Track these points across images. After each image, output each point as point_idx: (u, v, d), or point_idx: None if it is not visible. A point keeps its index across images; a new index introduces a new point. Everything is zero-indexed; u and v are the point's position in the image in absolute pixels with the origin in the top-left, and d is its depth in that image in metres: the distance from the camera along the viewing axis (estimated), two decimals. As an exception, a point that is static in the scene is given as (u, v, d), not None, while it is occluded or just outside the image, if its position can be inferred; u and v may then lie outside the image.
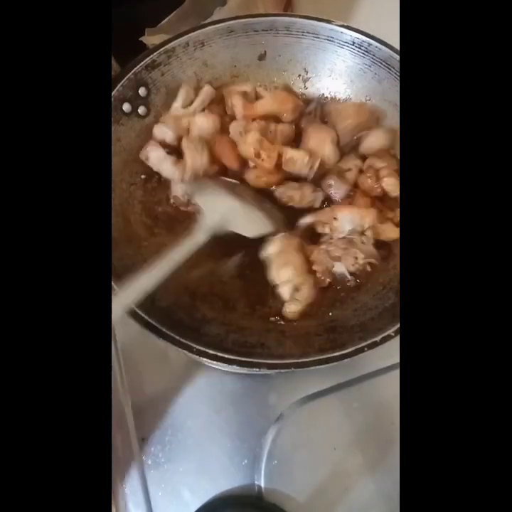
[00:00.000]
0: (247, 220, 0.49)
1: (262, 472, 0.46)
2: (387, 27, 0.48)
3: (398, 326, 0.41)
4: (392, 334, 0.41)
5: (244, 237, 0.48)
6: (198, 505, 0.45)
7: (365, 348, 0.41)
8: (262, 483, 0.46)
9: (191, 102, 0.56)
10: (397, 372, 0.50)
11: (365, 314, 0.47)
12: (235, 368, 0.40)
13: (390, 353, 0.47)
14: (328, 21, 0.55)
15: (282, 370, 0.40)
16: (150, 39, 0.62)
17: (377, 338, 0.41)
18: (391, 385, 0.50)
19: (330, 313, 0.48)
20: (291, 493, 0.46)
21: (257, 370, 0.40)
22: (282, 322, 0.47)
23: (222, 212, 0.48)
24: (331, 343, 0.43)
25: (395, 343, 0.41)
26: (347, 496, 0.46)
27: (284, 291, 0.47)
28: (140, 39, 0.62)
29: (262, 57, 0.59)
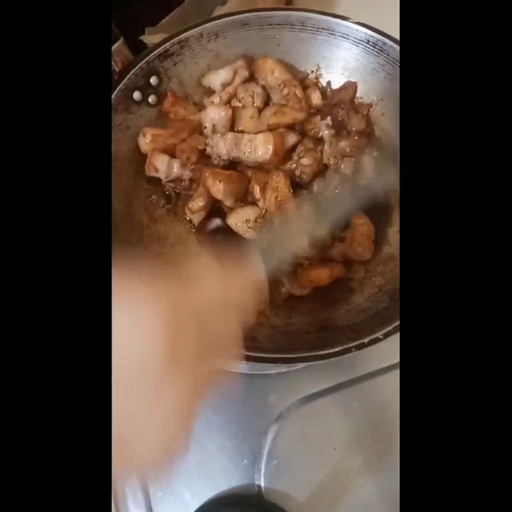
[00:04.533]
0: None
1: (262, 472, 0.46)
2: (390, 25, 0.48)
3: (387, 329, 0.41)
4: (381, 337, 0.41)
5: None
6: (198, 505, 0.45)
7: (353, 349, 0.41)
8: (262, 483, 0.46)
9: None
10: (397, 372, 0.50)
11: (358, 315, 0.47)
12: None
13: (390, 353, 0.47)
14: (344, 18, 0.54)
15: (269, 364, 0.40)
16: (150, 38, 0.62)
17: (366, 340, 0.41)
18: (391, 385, 0.50)
19: (323, 312, 0.48)
20: (291, 492, 0.46)
21: (245, 362, 0.40)
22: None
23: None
24: (320, 341, 0.43)
25: (395, 343, 0.41)
26: (347, 496, 0.46)
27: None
28: (140, 38, 0.62)
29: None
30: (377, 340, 0.41)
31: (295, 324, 0.47)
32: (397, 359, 0.50)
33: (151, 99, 0.54)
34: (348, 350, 0.40)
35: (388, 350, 0.40)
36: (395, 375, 0.50)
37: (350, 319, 0.47)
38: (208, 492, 0.46)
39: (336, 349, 0.41)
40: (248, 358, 0.39)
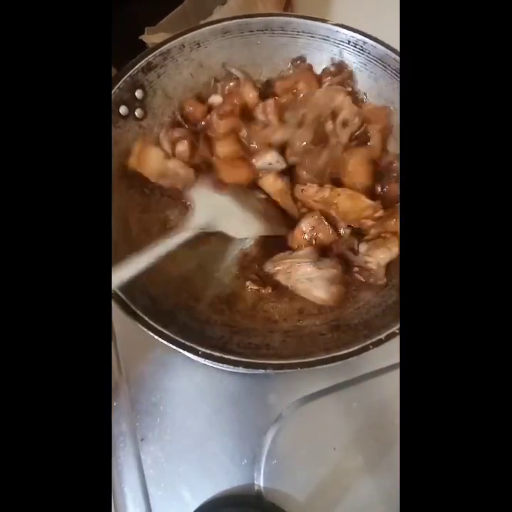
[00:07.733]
0: (237, 221, 0.49)
1: (262, 472, 0.46)
2: (388, 27, 0.48)
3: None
4: (397, 331, 0.41)
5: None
6: (198, 505, 0.45)
7: (371, 346, 0.41)
8: (261, 482, 0.46)
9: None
10: (397, 372, 0.50)
11: (369, 312, 0.47)
12: (239, 369, 0.40)
13: (390, 352, 0.46)
14: (323, 20, 0.55)
15: (288, 370, 0.40)
16: (150, 38, 0.62)
17: (382, 336, 0.41)
18: (391, 385, 0.50)
19: (332, 312, 0.48)
20: (290, 492, 0.45)
21: (263, 370, 0.40)
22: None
23: (214, 210, 0.48)
24: (335, 341, 0.43)
25: (395, 343, 0.41)
26: (347, 496, 0.46)
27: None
28: (140, 38, 0.63)
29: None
30: (393, 335, 0.41)
31: (306, 327, 0.47)
32: (397, 359, 0.49)
33: (138, 112, 0.54)
34: (365, 349, 0.40)
35: (388, 350, 0.40)
36: (395, 375, 0.50)
37: (362, 317, 0.47)
38: (207, 492, 0.46)
39: (354, 348, 0.41)
40: (266, 366, 0.39)
